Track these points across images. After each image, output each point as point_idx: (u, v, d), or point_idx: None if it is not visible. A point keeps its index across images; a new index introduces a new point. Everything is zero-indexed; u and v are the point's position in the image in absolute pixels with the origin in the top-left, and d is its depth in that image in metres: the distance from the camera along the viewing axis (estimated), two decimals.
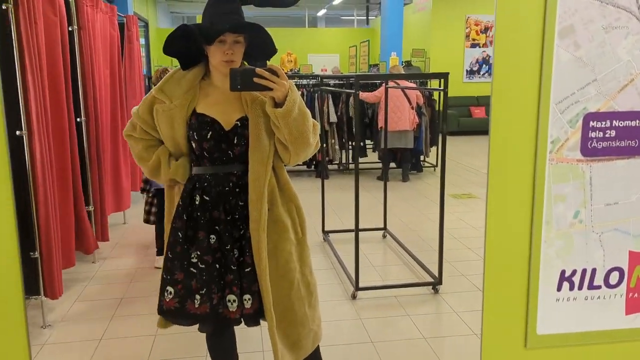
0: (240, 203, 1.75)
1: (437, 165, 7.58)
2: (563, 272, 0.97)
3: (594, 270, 1.01)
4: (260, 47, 1.74)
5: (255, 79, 1.53)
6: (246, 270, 1.74)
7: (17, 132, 2.71)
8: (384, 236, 4.49)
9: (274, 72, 1.55)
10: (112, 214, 4.46)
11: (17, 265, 1.22)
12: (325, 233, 4.42)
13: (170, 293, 1.76)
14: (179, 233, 1.76)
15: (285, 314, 1.76)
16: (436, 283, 3.34)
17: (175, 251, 1.76)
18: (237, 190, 1.74)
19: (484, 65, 12.35)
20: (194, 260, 1.74)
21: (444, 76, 3.28)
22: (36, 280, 2.87)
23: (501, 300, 0.91)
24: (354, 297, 3.26)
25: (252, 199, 1.70)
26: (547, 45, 0.93)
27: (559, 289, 0.96)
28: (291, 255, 1.77)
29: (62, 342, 2.75)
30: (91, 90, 3.82)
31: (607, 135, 1.00)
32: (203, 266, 1.73)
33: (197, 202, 1.75)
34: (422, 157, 7.46)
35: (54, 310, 3.12)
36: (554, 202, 0.92)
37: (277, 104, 1.62)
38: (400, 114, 6.46)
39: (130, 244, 4.40)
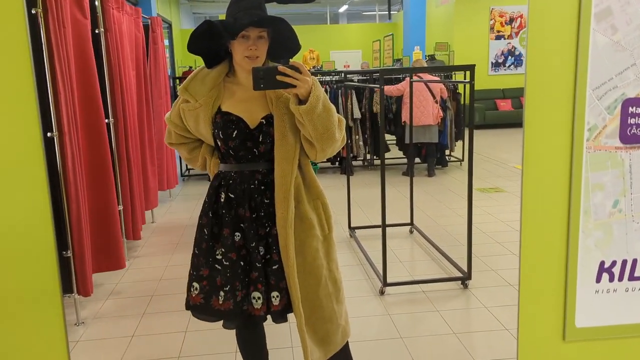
0: (266, 200, 1.75)
1: (463, 160, 7.49)
2: (602, 263, 0.93)
3: (634, 261, 0.97)
4: (284, 43, 1.73)
5: (278, 77, 1.52)
6: (273, 267, 1.74)
7: (48, 134, 2.77)
8: (411, 231, 4.45)
9: (296, 69, 1.54)
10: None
11: (55, 265, 1.25)
12: (352, 229, 4.41)
13: (196, 289, 1.78)
14: (205, 230, 1.78)
15: (313, 311, 1.76)
16: (465, 278, 3.30)
17: (200, 247, 1.79)
18: (262, 187, 1.74)
19: (510, 57, 12.14)
20: (219, 257, 1.75)
21: (469, 68, 3.23)
22: (69, 278, 2.93)
23: (538, 292, 0.88)
24: (382, 292, 3.24)
25: (278, 196, 1.69)
26: (583, 29, 0.89)
27: (598, 280, 0.93)
28: (318, 251, 1.76)
29: (95, 339, 2.81)
30: (119, 92, 3.88)
31: None
32: (227, 263, 1.74)
33: (222, 200, 1.76)
34: (447, 152, 7.37)
35: (87, 307, 3.19)
36: (592, 191, 0.89)
37: (301, 101, 1.60)
38: (423, 109, 6.40)
39: (159, 242, 4.47)
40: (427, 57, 11.75)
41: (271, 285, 1.74)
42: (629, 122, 0.95)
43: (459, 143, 7.50)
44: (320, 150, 1.68)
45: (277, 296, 1.74)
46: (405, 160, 7.31)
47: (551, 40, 0.85)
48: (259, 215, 1.74)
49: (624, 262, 0.95)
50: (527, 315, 0.89)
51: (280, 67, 1.53)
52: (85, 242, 3.00)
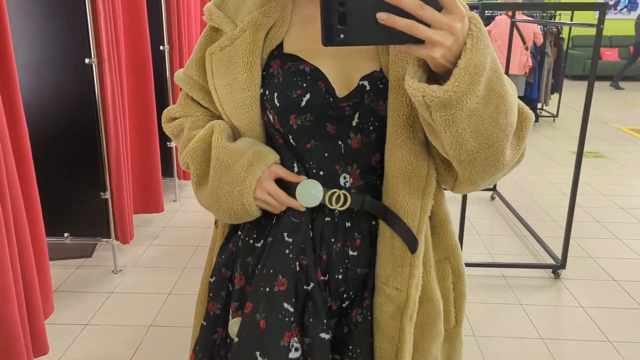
0: (351, 252, 0.88)
1: (557, 115, 6.62)
2: None
3: None
4: None
5: (382, 17, 0.62)
6: None
7: (87, 60, 2.42)
8: (492, 198, 3.88)
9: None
10: None
11: None
12: None
13: None
14: (287, 305, 0.86)
15: None
16: (558, 267, 2.75)
17: (279, 346, 0.84)
18: (347, 225, 0.88)
19: None
20: (292, 355, 0.85)
21: (599, 7, 2.52)
22: (107, 222, 2.67)
23: None
24: None
25: (390, 253, 0.85)
26: None
27: None
28: None
29: (129, 292, 2.55)
30: (175, 16, 3.47)
31: None
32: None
33: (311, 240, 0.88)
34: (539, 105, 6.52)
35: (128, 253, 2.95)
36: None
37: (433, 74, 0.70)
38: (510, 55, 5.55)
39: None
40: None
41: None
42: None
43: (555, 96, 6.60)
44: (465, 180, 0.80)
45: None
46: None
47: None
48: (334, 278, 0.88)
49: None
50: None
51: None
52: (124, 183, 2.70)
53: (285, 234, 0.87)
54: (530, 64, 5.70)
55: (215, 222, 1.01)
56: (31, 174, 1.90)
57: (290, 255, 0.86)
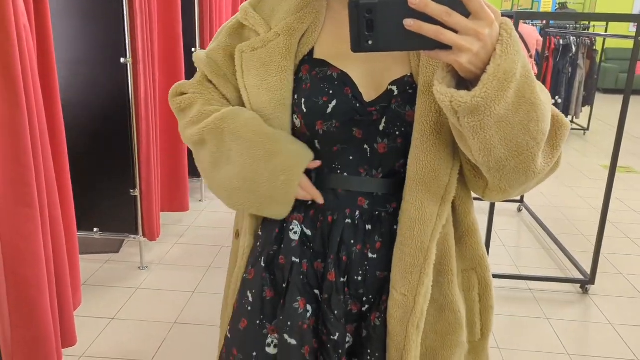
0: (370, 255, 0.88)
1: (587, 129, 6.50)
2: None
3: None
4: None
5: (408, 23, 0.63)
6: None
7: (122, 60, 2.47)
8: (520, 210, 3.83)
9: (457, 2, 0.62)
10: None
11: None
12: None
13: None
14: (249, 293, 0.91)
15: None
16: (586, 282, 2.69)
17: (237, 328, 0.92)
18: (367, 228, 0.88)
19: None
20: (271, 350, 0.89)
21: (636, 19, 2.47)
22: (135, 219, 2.72)
23: None
24: None
25: (401, 259, 0.84)
26: None
27: None
28: None
29: (155, 288, 2.59)
30: (207, 19, 3.52)
31: None
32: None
33: (290, 241, 0.90)
34: (570, 118, 6.41)
35: (153, 250, 2.99)
36: None
37: (463, 81, 0.69)
38: None
39: None
40: (557, 5, 10.35)
41: None
42: None
43: (586, 109, 6.48)
44: (495, 187, 0.79)
45: None
46: None
47: None
48: (353, 280, 0.88)
49: None
50: None
51: (415, 0, 0.61)
52: (153, 180, 2.75)
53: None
54: (536, 71, 5.58)
55: (236, 234, 1.00)
56: (66, 169, 1.94)
57: (259, 249, 0.93)
